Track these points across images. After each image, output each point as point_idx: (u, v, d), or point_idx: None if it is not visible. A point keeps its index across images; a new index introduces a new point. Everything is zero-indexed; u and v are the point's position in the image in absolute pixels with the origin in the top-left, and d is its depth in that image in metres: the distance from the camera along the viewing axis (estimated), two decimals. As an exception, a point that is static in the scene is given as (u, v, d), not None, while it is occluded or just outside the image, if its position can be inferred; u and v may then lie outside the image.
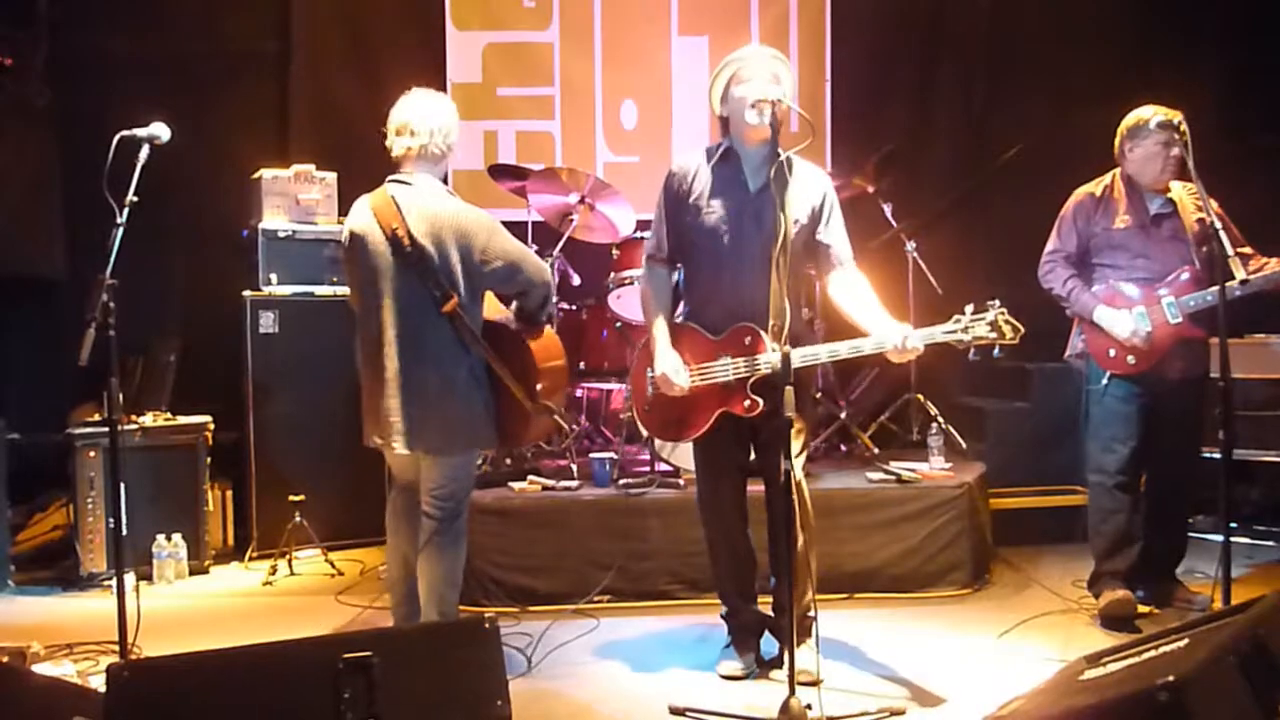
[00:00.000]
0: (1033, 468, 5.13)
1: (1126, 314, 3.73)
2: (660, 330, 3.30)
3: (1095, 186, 3.89)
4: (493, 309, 3.41)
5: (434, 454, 3.27)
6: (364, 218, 3.27)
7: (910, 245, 5.31)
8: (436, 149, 3.31)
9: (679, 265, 3.40)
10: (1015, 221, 4.43)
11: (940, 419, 5.04)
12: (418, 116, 3.29)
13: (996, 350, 2.93)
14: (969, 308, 2.97)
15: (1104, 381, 3.80)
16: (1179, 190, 3.77)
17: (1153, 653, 2.39)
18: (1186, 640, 2.33)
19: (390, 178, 3.32)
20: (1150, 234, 3.77)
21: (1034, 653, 3.49)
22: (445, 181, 3.40)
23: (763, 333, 3.10)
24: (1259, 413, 4.85)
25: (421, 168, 3.31)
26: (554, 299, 3.53)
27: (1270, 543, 4.91)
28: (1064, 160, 4.48)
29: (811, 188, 3.26)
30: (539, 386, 3.31)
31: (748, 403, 3.15)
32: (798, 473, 3.13)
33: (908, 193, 5.63)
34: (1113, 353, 3.77)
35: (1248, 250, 3.72)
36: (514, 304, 3.43)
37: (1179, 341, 3.70)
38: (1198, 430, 3.85)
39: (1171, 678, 1.97)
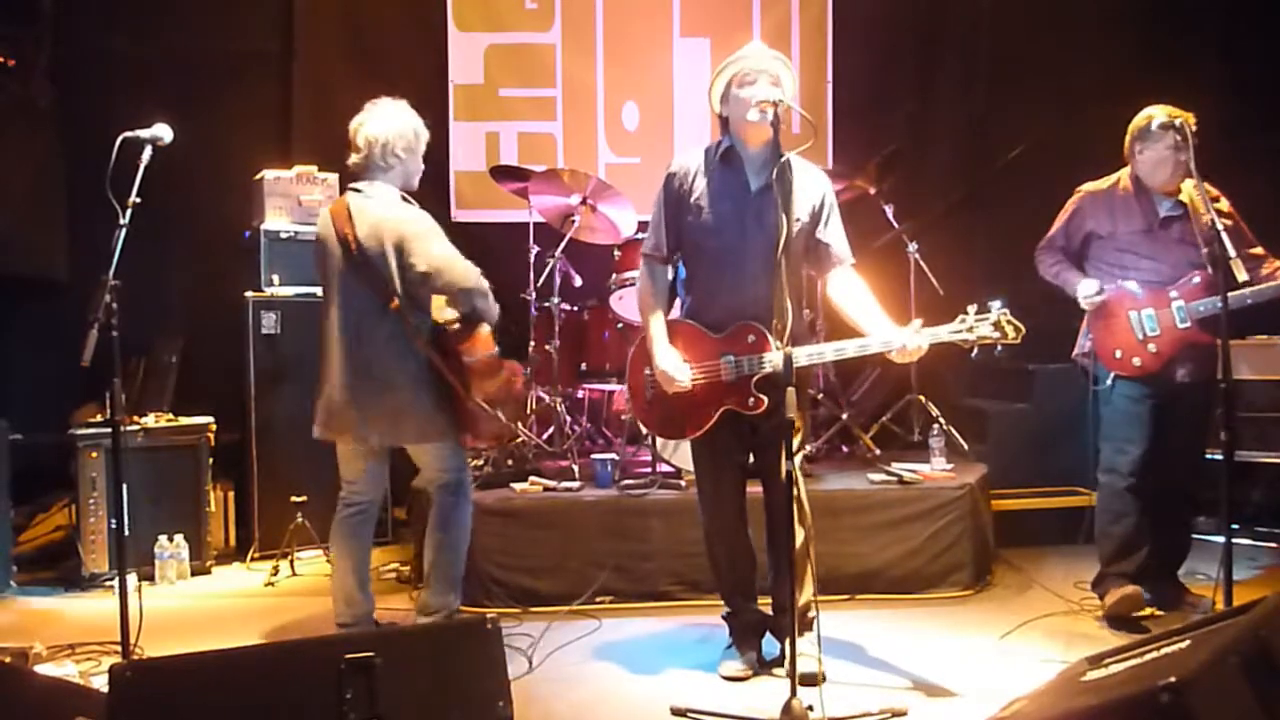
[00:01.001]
0: (1034, 469, 5.13)
1: (1092, 280, 3.74)
2: (657, 327, 3.30)
3: (1103, 183, 3.86)
4: (439, 308, 3.52)
5: (399, 443, 3.50)
6: (324, 223, 3.48)
7: (912, 246, 5.30)
8: (380, 161, 3.47)
9: (678, 263, 3.41)
10: (1017, 222, 4.42)
11: (941, 420, 5.03)
12: (361, 131, 3.48)
13: (998, 348, 2.95)
14: (972, 307, 2.99)
15: (1109, 382, 3.78)
16: (1190, 191, 3.69)
17: (1155, 654, 2.38)
18: (1189, 641, 2.32)
19: (349, 185, 3.52)
20: (1158, 237, 3.73)
21: (1036, 654, 3.49)
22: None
23: (767, 331, 3.11)
24: (1261, 414, 4.84)
25: (371, 177, 3.49)
26: (490, 303, 3.52)
27: (1272, 544, 4.91)
28: (1065, 161, 4.48)
29: (811, 188, 3.27)
30: (475, 389, 3.41)
31: (753, 400, 3.16)
32: (796, 471, 3.13)
33: (909, 194, 5.64)
34: (1119, 354, 3.75)
35: (1260, 251, 3.69)
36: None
37: (1186, 345, 3.67)
38: (1204, 433, 3.82)
39: (1174, 679, 1.97)
